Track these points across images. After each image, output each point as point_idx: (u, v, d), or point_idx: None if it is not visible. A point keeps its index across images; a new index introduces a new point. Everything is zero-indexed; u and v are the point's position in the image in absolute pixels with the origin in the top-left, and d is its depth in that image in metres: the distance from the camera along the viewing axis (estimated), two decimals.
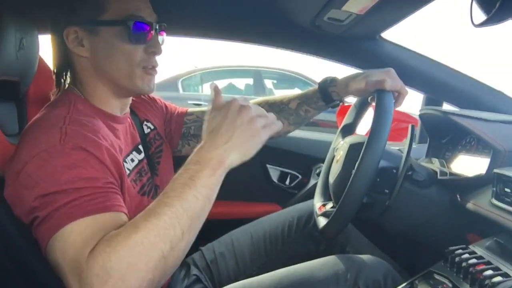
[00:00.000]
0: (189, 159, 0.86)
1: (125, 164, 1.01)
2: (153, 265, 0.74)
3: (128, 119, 1.14)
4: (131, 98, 1.13)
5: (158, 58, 1.06)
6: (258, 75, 6.99)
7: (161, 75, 6.34)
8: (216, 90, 0.96)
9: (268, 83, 7.16)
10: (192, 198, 0.80)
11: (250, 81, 7.10)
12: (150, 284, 0.75)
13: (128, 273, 0.72)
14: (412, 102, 1.69)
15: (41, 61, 1.20)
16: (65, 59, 1.03)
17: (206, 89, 6.86)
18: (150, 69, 1.04)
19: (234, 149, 0.86)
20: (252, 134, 0.89)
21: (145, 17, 1.01)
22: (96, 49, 0.99)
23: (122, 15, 0.98)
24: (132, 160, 1.07)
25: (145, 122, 1.23)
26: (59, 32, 0.99)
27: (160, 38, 1.07)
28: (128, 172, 1.02)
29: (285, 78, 7.06)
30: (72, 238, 0.77)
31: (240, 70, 7.18)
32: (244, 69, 7.13)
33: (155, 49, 1.03)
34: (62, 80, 1.06)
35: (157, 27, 1.04)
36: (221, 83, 7.11)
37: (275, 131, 0.94)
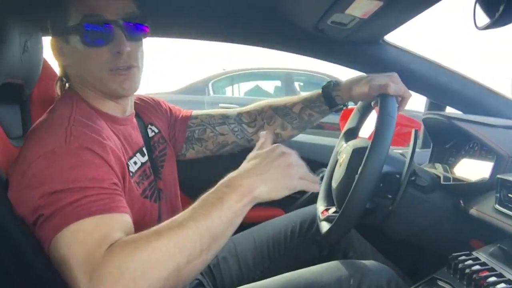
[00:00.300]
0: (221, 181, 0.88)
1: (128, 166, 1.02)
2: (166, 275, 0.75)
3: (132, 121, 1.14)
4: (129, 98, 1.11)
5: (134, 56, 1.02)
6: (288, 77, 6.89)
7: (190, 77, 6.35)
8: (266, 136, 0.99)
9: (295, 85, 7.07)
10: (217, 218, 0.81)
11: (278, 83, 7.04)
12: None
13: (141, 277, 0.73)
14: (415, 101, 1.68)
15: (46, 64, 1.20)
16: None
17: (236, 92, 6.92)
18: (121, 69, 1.00)
19: (265, 182, 0.88)
20: (287, 177, 0.90)
21: (104, 15, 0.97)
22: (71, 57, 1.02)
23: (78, 18, 0.97)
24: (135, 163, 1.07)
25: (149, 126, 1.23)
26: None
27: (134, 35, 1.02)
28: (131, 174, 1.02)
29: (313, 80, 6.89)
30: (81, 236, 0.77)
31: (270, 72, 7.09)
32: (274, 71, 7.03)
33: (118, 49, 0.98)
34: (63, 85, 1.09)
35: (122, 24, 0.99)
36: (249, 86, 7.11)
37: (310, 189, 0.96)
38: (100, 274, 0.72)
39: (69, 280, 0.77)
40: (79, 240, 0.77)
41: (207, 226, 0.80)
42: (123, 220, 0.83)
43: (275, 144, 0.96)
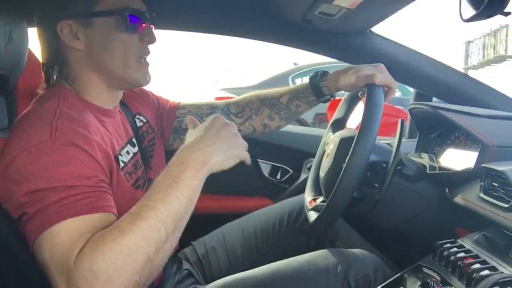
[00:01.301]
0: (171, 161, 0.88)
1: (120, 157, 1.01)
2: (139, 268, 0.75)
3: (119, 112, 1.13)
4: (122, 91, 1.12)
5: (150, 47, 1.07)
6: None
7: (266, 72, 6.22)
8: (192, 123, 1.01)
9: None
10: (176, 200, 0.81)
11: None
12: (136, 286, 0.76)
13: (114, 275, 0.73)
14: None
15: (31, 54, 1.19)
16: (56, 53, 1.02)
17: None
18: (144, 60, 1.05)
19: (217, 153, 0.88)
20: (235, 145, 0.93)
21: (138, 7, 1.02)
22: (91, 41, 0.99)
23: (116, 6, 0.99)
24: (128, 153, 1.07)
25: (137, 116, 1.23)
26: (50, 26, 0.98)
27: None
28: (123, 165, 1.02)
29: None
30: (60, 238, 0.77)
31: (341, 66, 6.88)
32: (344, 65, 6.86)
33: (149, 37, 1.05)
34: (52, 75, 1.05)
35: (149, 17, 1.05)
36: None
37: (247, 161, 0.96)
38: (75, 279, 0.73)
39: (51, 282, 0.77)
40: (57, 243, 0.76)
41: (167, 210, 0.80)
42: (107, 219, 0.82)
43: (214, 115, 0.96)
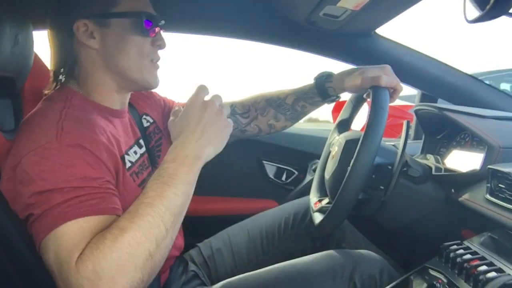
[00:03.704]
0: (165, 158, 0.89)
1: (127, 157, 1.02)
2: (141, 265, 0.76)
3: (127, 113, 1.14)
4: (131, 93, 1.13)
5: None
6: None
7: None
8: (175, 114, 1.02)
9: None
10: (173, 195, 0.83)
11: None
12: (139, 282, 0.76)
13: (118, 274, 0.74)
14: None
15: (36, 57, 1.19)
16: (69, 53, 1.03)
17: None
18: (156, 62, 1.07)
19: (208, 143, 0.91)
20: (221, 126, 0.95)
21: (152, 12, 1.05)
22: (107, 41, 1.00)
23: (133, 9, 1.01)
24: (135, 153, 1.08)
25: (144, 116, 1.23)
26: (66, 25, 0.99)
27: None
28: (130, 165, 1.02)
29: None
30: (64, 239, 0.77)
31: None
32: None
33: (161, 42, 1.06)
34: (60, 76, 1.05)
35: (161, 23, 1.07)
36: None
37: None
38: (77, 280, 0.73)
39: (57, 284, 0.78)
40: (62, 244, 0.77)
41: (165, 206, 0.81)
42: (113, 221, 0.82)
43: (191, 96, 0.97)
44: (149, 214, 0.79)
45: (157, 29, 1.05)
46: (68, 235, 0.77)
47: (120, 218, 0.81)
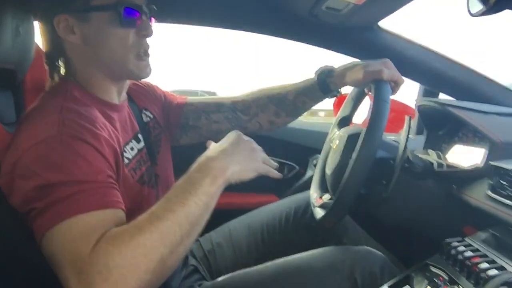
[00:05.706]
0: (192, 167, 0.89)
1: (124, 153, 1.01)
2: (152, 267, 0.75)
3: (126, 107, 1.13)
4: (128, 81, 1.12)
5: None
6: None
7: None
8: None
9: None
10: (194, 204, 0.82)
11: None
12: (147, 285, 0.75)
13: (129, 273, 0.73)
14: (408, 93, 1.69)
15: (38, 49, 1.18)
16: (56, 47, 1.02)
17: None
18: (143, 54, 1.04)
19: (236, 163, 0.92)
20: (253, 159, 0.98)
21: (134, 1, 1.00)
22: (87, 35, 0.98)
23: (111, 1, 0.97)
24: (132, 149, 1.07)
25: (144, 111, 1.22)
26: (49, 20, 0.98)
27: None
28: (127, 161, 1.01)
29: None
30: (72, 233, 0.76)
31: None
32: None
33: (146, 32, 1.03)
34: (56, 69, 1.05)
35: (147, 10, 1.03)
36: None
37: (271, 175, 1.03)
38: (89, 273, 0.72)
39: (61, 278, 0.76)
40: (69, 239, 0.76)
41: (185, 214, 0.80)
42: (116, 215, 0.82)
43: (233, 132, 1.00)
44: (169, 219, 0.79)
45: (141, 18, 1.01)
46: (76, 229, 0.76)
47: (140, 217, 0.80)
